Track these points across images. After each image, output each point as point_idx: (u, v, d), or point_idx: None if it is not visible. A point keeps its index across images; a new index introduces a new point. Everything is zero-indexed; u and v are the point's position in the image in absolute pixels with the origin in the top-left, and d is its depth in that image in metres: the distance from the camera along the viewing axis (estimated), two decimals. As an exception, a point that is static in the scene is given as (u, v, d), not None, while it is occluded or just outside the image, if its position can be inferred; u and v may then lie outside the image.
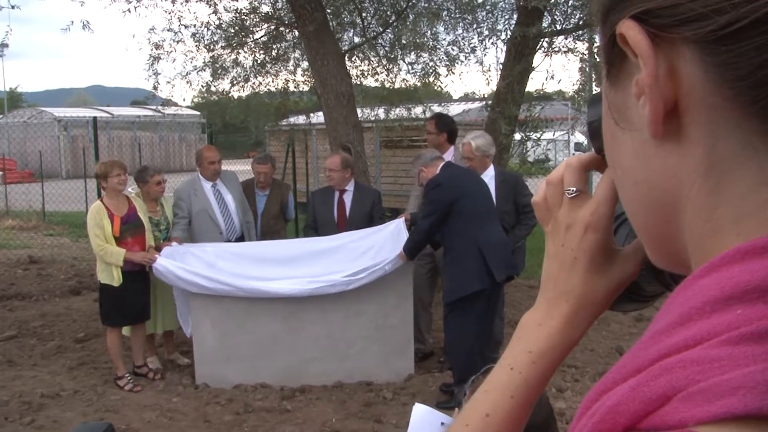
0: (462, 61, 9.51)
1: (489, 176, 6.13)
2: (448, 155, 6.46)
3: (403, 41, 9.17)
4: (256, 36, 9.58)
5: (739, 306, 0.41)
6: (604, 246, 0.68)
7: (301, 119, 13.44)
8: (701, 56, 0.43)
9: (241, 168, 7.87)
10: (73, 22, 8.70)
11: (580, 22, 8.27)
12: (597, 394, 0.45)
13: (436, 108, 11.42)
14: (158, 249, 6.14)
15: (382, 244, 6.01)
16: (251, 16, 9.30)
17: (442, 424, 1.70)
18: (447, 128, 6.66)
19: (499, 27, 8.97)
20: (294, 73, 10.37)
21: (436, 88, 10.61)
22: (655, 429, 0.40)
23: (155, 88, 9.56)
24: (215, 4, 9.08)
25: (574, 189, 0.69)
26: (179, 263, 5.97)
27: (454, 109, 14.62)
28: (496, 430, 0.71)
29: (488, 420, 0.71)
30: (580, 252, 0.69)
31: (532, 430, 0.78)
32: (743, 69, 0.42)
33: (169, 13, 9.14)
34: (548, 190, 0.72)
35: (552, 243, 0.72)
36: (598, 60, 8.16)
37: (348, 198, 6.57)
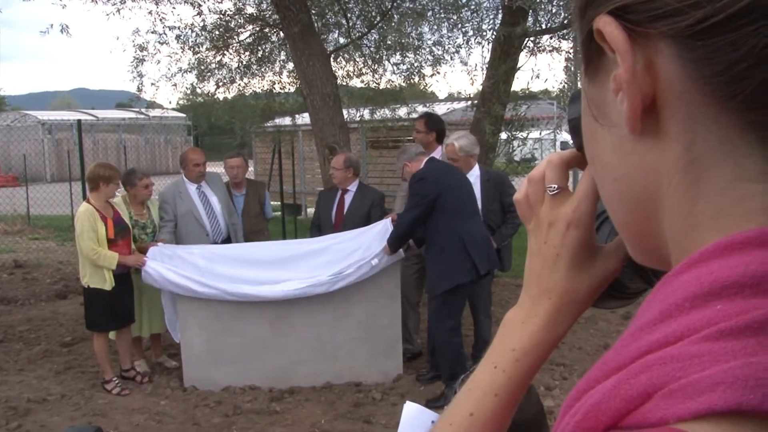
0: (447, 61, 9.53)
1: (474, 176, 6.13)
2: (436, 154, 6.47)
3: (388, 42, 9.19)
4: (242, 37, 9.55)
5: (718, 302, 0.41)
6: (586, 243, 0.68)
7: (287, 120, 13.41)
8: (678, 51, 0.43)
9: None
10: (52, 25, 8.64)
11: (565, 21, 8.30)
12: (580, 392, 0.45)
13: (421, 108, 11.44)
14: (143, 250, 6.12)
15: (369, 244, 6.00)
16: (236, 17, 9.28)
17: (433, 422, 1.68)
18: (436, 128, 6.68)
19: (484, 27, 9.00)
20: (280, 74, 10.35)
21: (421, 88, 10.63)
22: (636, 427, 0.40)
23: (140, 90, 9.51)
24: (199, 5, 9.05)
25: (556, 186, 0.69)
26: (168, 266, 5.94)
27: (439, 109, 14.63)
28: (480, 428, 0.70)
29: (472, 419, 0.71)
30: (563, 249, 0.68)
31: (521, 428, 0.78)
32: (719, 64, 0.42)
33: (153, 14, 9.10)
34: (530, 188, 0.71)
35: (534, 240, 0.71)
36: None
37: (349, 198, 6.59)
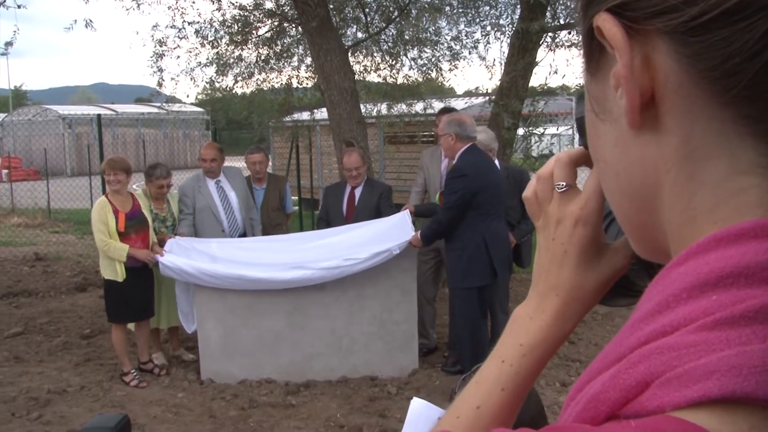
0: (464, 56, 9.51)
1: None
2: None
3: (406, 37, 9.18)
4: (260, 32, 9.58)
5: (714, 292, 0.42)
6: (593, 240, 0.69)
7: (305, 115, 13.43)
8: (675, 47, 0.44)
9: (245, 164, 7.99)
10: (76, 20, 8.72)
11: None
12: (582, 384, 0.46)
13: (438, 104, 11.41)
14: (161, 243, 6.17)
15: (387, 233, 6.02)
16: (255, 12, 9.30)
17: (440, 418, 1.68)
18: None
19: (502, 22, 8.98)
20: (298, 69, 10.38)
21: (439, 83, 10.61)
22: (635, 415, 0.41)
23: (159, 84, 9.56)
24: (219, 0, 9.08)
25: (564, 184, 0.69)
26: (185, 258, 5.99)
27: (457, 105, 14.61)
28: (487, 422, 0.71)
29: (479, 412, 0.71)
30: (571, 246, 0.69)
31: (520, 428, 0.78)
32: (713, 59, 0.43)
33: (173, 9, 9.15)
34: (538, 185, 0.72)
35: (543, 237, 0.72)
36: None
37: (359, 191, 6.67)
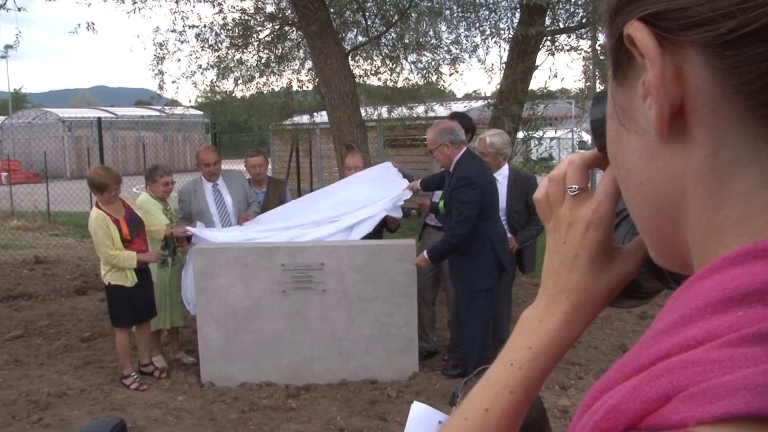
0: (464, 60, 9.53)
1: (503, 175, 6.16)
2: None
3: (406, 40, 9.20)
4: (261, 36, 9.60)
5: (740, 308, 0.41)
6: (605, 244, 0.69)
7: (305, 119, 13.45)
8: (708, 59, 0.44)
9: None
10: (80, 24, 8.75)
11: (583, 21, 8.27)
12: (598, 392, 0.46)
13: (438, 107, 11.43)
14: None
15: (378, 190, 6.37)
16: (256, 15, 9.33)
17: (440, 422, 1.68)
18: (468, 125, 6.63)
19: (502, 25, 8.99)
20: (299, 72, 10.41)
21: (439, 87, 10.63)
22: (655, 428, 0.40)
23: (161, 87, 9.59)
24: (220, 4, 9.10)
25: (576, 187, 0.69)
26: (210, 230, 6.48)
27: (456, 108, 14.62)
28: (494, 424, 0.71)
29: (487, 415, 0.71)
30: (582, 250, 0.69)
31: (522, 431, 0.78)
32: (749, 73, 0.42)
33: (174, 13, 9.17)
34: (550, 188, 0.72)
35: (553, 240, 0.72)
36: (602, 58, 8.17)
37: None
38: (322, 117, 11.19)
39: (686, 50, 0.45)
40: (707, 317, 0.42)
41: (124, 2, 8.77)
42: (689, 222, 0.49)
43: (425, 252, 5.82)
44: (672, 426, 0.40)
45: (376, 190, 6.34)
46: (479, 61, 9.49)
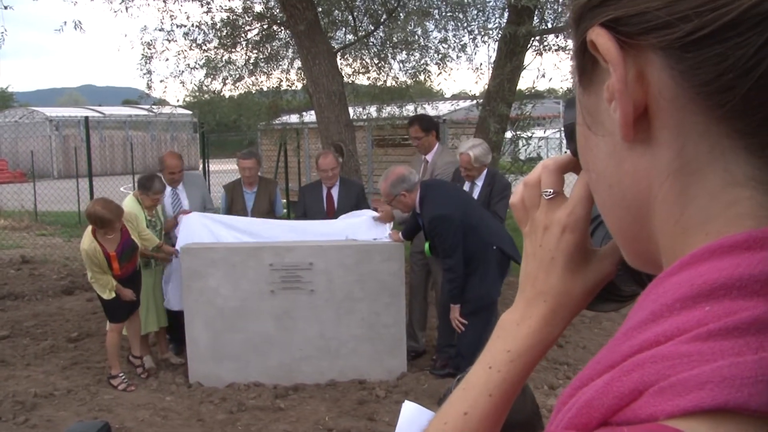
0: (452, 60, 9.54)
1: (481, 179, 6.21)
2: (434, 153, 6.71)
3: (394, 39, 9.20)
4: (249, 35, 9.58)
5: (707, 303, 0.42)
6: (581, 246, 0.69)
7: (293, 118, 13.43)
8: (668, 62, 0.45)
9: (233, 167, 7.84)
10: (66, 22, 8.70)
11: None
12: (573, 389, 0.47)
13: (427, 107, 11.43)
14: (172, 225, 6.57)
15: (360, 227, 6.35)
16: (244, 15, 9.31)
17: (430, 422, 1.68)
18: (432, 126, 6.76)
19: (490, 25, 9.01)
20: (287, 72, 10.39)
21: (427, 86, 10.64)
22: (627, 423, 0.41)
23: (149, 87, 9.55)
24: (208, 3, 9.08)
25: (551, 190, 0.70)
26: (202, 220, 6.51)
27: (445, 108, 14.65)
28: (474, 428, 0.71)
29: (466, 418, 0.71)
30: (558, 252, 0.69)
31: (516, 429, 0.78)
32: (707, 74, 0.43)
33: (162, 12, 9.14)
34: (525, 192, 0.72)
35: (530, 244, 0.72)
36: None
37: (335, 191, 6.87)
38: (310, 116, 11.18)
39: (647, 54, 0.46)
40: (676, 313, 0.43)
41: (111, 1, 8.75)
42: (657, 222, 0.50)
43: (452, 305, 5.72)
44: (643, 420, 0.41)
45: (361, 228, 6.36)
46: (467, 60, 9.52)
